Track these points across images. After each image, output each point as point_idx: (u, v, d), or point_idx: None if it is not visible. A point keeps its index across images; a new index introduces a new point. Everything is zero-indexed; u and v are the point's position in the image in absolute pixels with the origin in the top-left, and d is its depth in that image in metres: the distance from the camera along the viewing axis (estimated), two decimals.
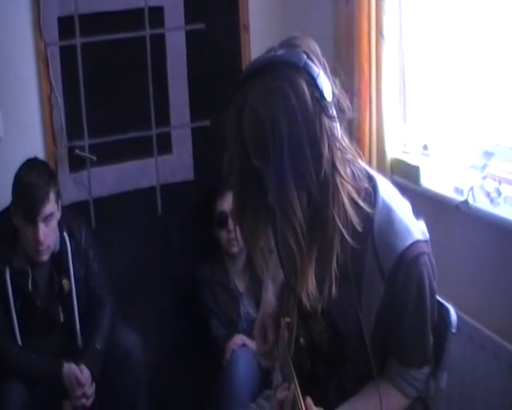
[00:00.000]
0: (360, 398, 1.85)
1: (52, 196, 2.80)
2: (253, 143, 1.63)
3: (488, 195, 2.54)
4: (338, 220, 1.65)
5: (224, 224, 3.36)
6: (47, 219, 2.79)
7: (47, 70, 3.18)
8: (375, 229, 1.73)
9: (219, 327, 3.33)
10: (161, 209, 3.54)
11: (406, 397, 1.88)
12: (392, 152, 3.00)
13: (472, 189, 2.57)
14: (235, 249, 3.37)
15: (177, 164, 3.54)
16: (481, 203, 2.55)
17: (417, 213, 1.84)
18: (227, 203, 3.29)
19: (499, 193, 2.52)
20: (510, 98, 2.61)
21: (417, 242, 1.74)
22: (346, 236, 1.67)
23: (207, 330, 3.33)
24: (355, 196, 1.69)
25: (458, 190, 2.67)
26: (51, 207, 2.80)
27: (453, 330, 1.93)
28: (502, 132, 2.67)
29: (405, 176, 2.89)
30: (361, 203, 1.70)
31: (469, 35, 2.76)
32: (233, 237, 3.33)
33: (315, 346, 1.95)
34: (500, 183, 2.56)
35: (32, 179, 2.77)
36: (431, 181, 2.85)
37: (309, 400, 1.71)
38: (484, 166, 2.63)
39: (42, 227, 2.77)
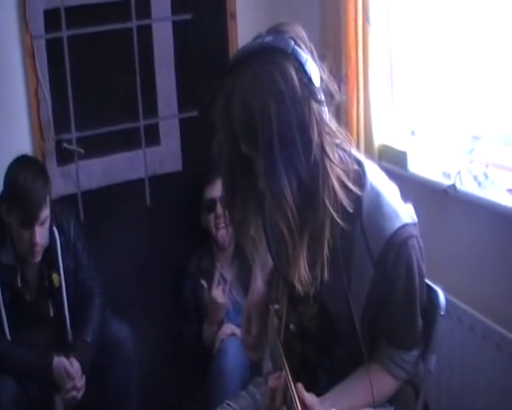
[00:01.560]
0: (350, 381, 1.86)
1: (48, 198, 2.79)
2: (242, 129, 1.63)
3: (476, 178, 2.55)
4: (328, 204, 1.66)
5: (213, 209, 3.37)
6: (43, 221, 2.78)
7: (33, 63, 3.15)
8: (363, 211, 1.74)
9: (195, 323, 3.35)
10: (150, 201, 3.54)
11: (396, 379, 1.89)
12: (380, 138, 3.01)
13: (459, 173, 2.59)
14: (223, 233, 3.37)
15: (166, 155, 3.53)
16: (469, 187, 2.56)
17: (405, 198, 1.84)
18: (216, 190, 3.31)
19: (486, 176, 2.53)
20: (497, 83, 2.62)
21: (406, 225, 1.75)
22: (337, 218, 1.68)
23: (184, 324, 3.37)
24: (344, 178, 1.70)
25: (446, 175, 2.68)
26: (48, 210, 2.79)
27: (442, 313, 1.94)
28: (489, 116, 2.68)
29: (393, 161, 2.90)
30: (350, 186, 1.71)
31: (456, 20, 2.76)
32: (221, 222, 3.34)
33: (305, 331, 1.96)
34: (487, 166, 2.57)
35: (30, 183, 2.72)
36: (418, 166, 2.86)
37: (300, 386, 1.71)
38: (471, 151, 2.64)
39: (38, 230, 2.76)
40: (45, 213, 2.77)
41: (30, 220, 2.73)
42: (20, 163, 2.83)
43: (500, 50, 2.58)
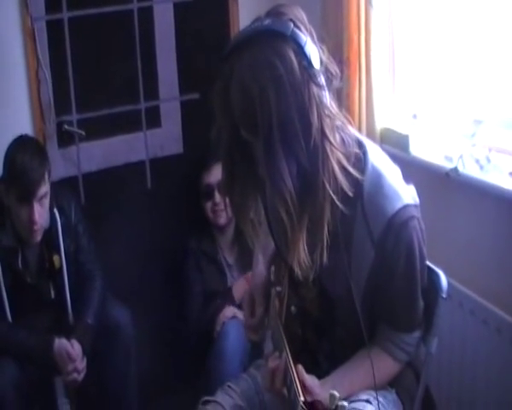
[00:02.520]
0: (351, 364, 1.87)
1: (46, 176, 2.78)
2: (242, 114, 1.63)
3: (478, 162, 2.55)
4: (328, 187, 1.66)
5: (210, 196, 3.36)
6: (41, 199, 2.77)
7: (34, 45, 3.13)
8: (364, 194, 1.74)
9: (198, 302, 3.33)
10: (151, 183, 3.53)
11: (397, 362, 1.90)
12: (382, 121, 3.00)
13: (461, 156, 2.58)
14: (221, 221, 3.37)
15: (167, 138, 3.52)
16: (471, 171, 2.56)
17: (407, 181, 1.84)
18: (213, 176, 3.31)
19: (489, 160, 2.53)
20: (500, 66, 2.61)
21: (407, 206, 1.75)
22: (337, 202, 1.68)
23: (186, 303, 3.34)
24: (345, 162, 1.69)
25: (448, 158, 2.67)
26: (46, 187, 2.78)
27: (444, 296, 1.94)
28: (491, 100, 2.66)
29: (395, 145, 2.89)
30: (350, 169, 1.71)
31: (459, 3, 2.74)
32: (219, 208, 3.33)
33: (306, 314, 1.96)
34: (490, 150, 2.56)
35: (27, 160, 2.73)
36: (420, 149, 2.85)
37: (300, 367, 1.72)
38: (473, 134, 2.63)
39: (37, 207, 2.75)
40: (43, 189, 2.76)
41: (27, 197, 2.73)
42: (18, 142, 2.83)
43: (502, 34, 2.56)
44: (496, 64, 2.62)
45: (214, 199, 3.34)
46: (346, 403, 1.38)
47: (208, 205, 3.38)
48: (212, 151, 3.08)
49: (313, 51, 1.62)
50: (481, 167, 2.53)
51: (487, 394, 2.47)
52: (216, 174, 3.27)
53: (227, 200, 2.79)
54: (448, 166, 2.63)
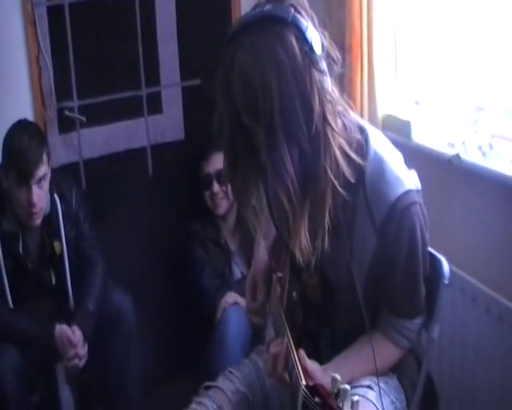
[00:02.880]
0: (353, 350, 1.87)
1: (44, 157, 2.79)
2: (243, 101, 1.62)
3: (480, 148, 2.54)
4: (330, 173, 1.65)
5: (209, 186, 3.35)
6: (40, 181, 2.77)
7: (35, 31, 3.12)
8: (366, 180, 1.73)
9: (210, 278, 3.33)
10: (152, 170, 3.52)
11: (398, 348, 1.90)
12: (384, 108, 3.00)
13: (464, 143, 2.57)
14: (220, 210, 3.37)
15: (168, 124, 3.51)
16: (473, 157, 2.55)
17: (409, 167, 1.84)
18: (212, 166, 3.32)
19: (491, 147, 2.52)
20: (503, 53, 2.59)
21: (409, 191, 1.74)
22: (339, 187, 1.67)
23: (200, 281, 3.33)
24: (346, 148, 1.69)
25: (450, 145, 2.67)
26: (44, 168, 2.78)
27: (446, 282, 1.94)
28: (494, 86, 2.66)
29: (397, 131, 2.88)
30: (352, 155, 1.70)
31: None
32: (218, 198, 3.34)
33: (307, 300, 1.96)
34: (492, 136, 2.55)
35: (25, 142, 2.74)
36: (423, 136, 2.84)
37: (302, 352, 1.72)
38: (476, 121, 2.62)
39: (35, 189, 2.75)
40: (41, 171, 2.76)
41: (26, 178, 2.73)
42: (17, 126, 2.84)
43: (505, 20, 2.55)
44: (499, 51, 2.61)
45: (212, 189, 3.34)
46: (348, 386, 1.38)
47: (207, 194, 3.38)
48: (211, 140, 3.08)
49: (314, 36, 1.61)
50: (484, 154, 2.53)
51: (489, 381, 2.47)
52: (214, 164, 3.27)
53: (227, 188, 2.83)
54: (450, 152, 2.62)
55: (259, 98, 1.57)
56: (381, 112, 2.99)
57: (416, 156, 2.36)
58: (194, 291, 3.35)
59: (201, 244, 3.39)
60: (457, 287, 2.55)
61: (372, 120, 2.94)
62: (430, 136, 2.82)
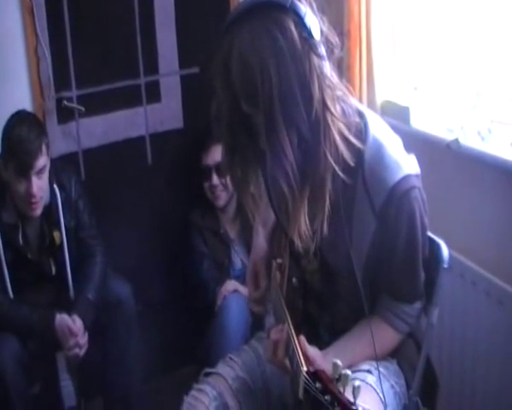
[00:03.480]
0: (352, 335, 1.87)
1: (44, 148, 2.78)
2: (242, 87, 1.62)
3: (479, 133, 2.54)
4: (330, 157, 1.65)
5: (208, 177, 3.35)
6: (39, 172, 2.77)
7: (32, 21, 3.10)
8: (365, 164, 1.73)
9: (210, 269, 3.34)
10: (151, 159, 3.52)
11: (398, 332, 1.90)
12: (383, 93, 3.00)
13: (462, 128, 2.57)
14: (220, 202, 3.37)
15: (167, 112, 3.50)
16: (472, 142, 2.55)
17: (408, 152, 1.83)
18: (211, 158, 3.30)
19: (490, 131, 2.52)
20: (502, 37, 2.59)
21: (408, 176, 1.74)
22: (338, 171, 1.67)
23: (198, 273, 3.34)
24: (346, 132, 1.69)
25: (449, 130, 2.67)
26: (44, 159, 2.78)
27: (445, 266, 1.94)
28: (493, 71, 2.65)
29: (396, 116, 2.89)
30: (352, 139, 1.70)
31: None
32: (217, 190, 3.33)
33: (307, 285, 1.96)
34: (491, 121, 2.55)
35: (24, 133, 2.73)
36: (421, 121, 2.85)
37: (302, 338, 1.72)
38: (474, 106, 2.62)
39: (35, 180, 2.75)
40: (41, 162, 2.76)
41: (25, 169, 2.73)
42: (16, 117, 2.83)
43: (503, 5, 2.55)
44: (498, 35, 2.60)
45: (212, 181, 3.33)
46: (349, 372, 1.38)
47: (206, 186, 3.37)
48: (210, 131, 3.07)
49: (313, 22, 1.61)
50: (482, 138, 2.53)
51: (489, 364, 2.47)
52: (214, 156, 3.26)
53: (226, 181, 2.82)
54: (449, 137, 2.62)
55: (258, 83, 1.57)
56: (380, 98, 2.99)
57: (416, 142, 2.36)
58: (194, 283, 3.36)
59: (200, 234, 3.40)
60: (457, 271, 2.55)
61: (371, 105, 2.95)
62: (429, 121, 2.82)
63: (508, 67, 2.59)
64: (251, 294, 2.14)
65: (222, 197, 3.36)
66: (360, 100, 2.92)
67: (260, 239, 2.18)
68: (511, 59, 2.57)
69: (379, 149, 1.74)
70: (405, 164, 1.76)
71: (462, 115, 2.65)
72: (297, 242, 1.72)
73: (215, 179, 3.31)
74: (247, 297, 2.22)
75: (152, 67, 3.44)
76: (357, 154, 1.72)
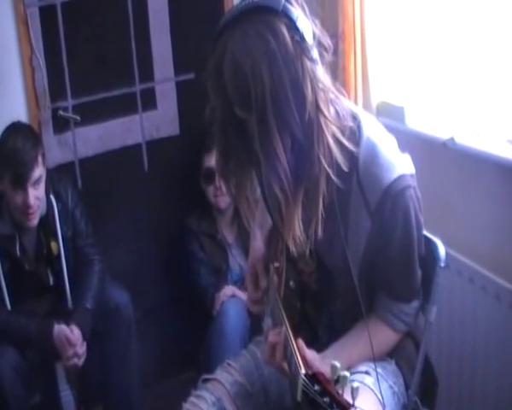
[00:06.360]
0: (350, 336, 1.87)
1: (40, 159, 2.78)
2: (235, 91, 1.61)
3: (475, 130, 2.55)
4: (323, 161, 1.65)
5: (212, 180, 3.33)
6: (36, 182, 2.77)
7: (27, 31, 3.11)
8: (360, 166, 1.73)
9: (208, 275, 3.34)
10: (148, 166, 3.51)
11: (396, 332, 1.90)
12: (377, 94, 3.00)
13: (458, 125, 2.58)
14: (222, 205, 3.36)
15: (162, 119, 3.50)
16: (468, 139, 2.55)
17: (404, 152, 1.83)
18: (214, 159, 3.28)
19: (485, 129, 2.52)
20: (496, 36, 2.59)
21: (403, 175, 1.74)
22: (332, 175, 1.67)
23: (196, 279, 3.34)
24: (339, 135, 1.68)
25: (444, 128, 2.67)
26: (40, 170, 2.78)
27: (442, 265, 1.94)
28: (488, 69, 2.65)
29: (391, 116, 2.90)
30: (345, 142, 1.70)
31: None
32: (221, 192, 3.31)
33: (305, 287, 1.97)
34: (486, 119, 2.55)
35: (19, 144, 2.73)
36: (417, 121, 2.85)
37: (300, 341, 1.72)
38: (469, 103, 2.63)
39: (31, 191, 2.75)
40: (37, 173, 2.76)
41: (21, 181, 2.73)
42: (11, 128, 2.84)
43: (498, 8, 2.55)
44: (493, 33, 2.60)
45: (215, 183, 3.31)
46: (347, 373, 1.38)
47: (210, 189, 3.36)
48: (211, 134, 3.07)
49: (305, 25, 1.61)
50: (478, 136, 2.53)
51: (487, 361, 2.47)
52: None
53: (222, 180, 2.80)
54: (445, 136, 2.62)
55: (251, 87, 1.57)
56: (375, 99, 2.99)
57: (411, 141, 2.36)
58: (192, 290, 3.36)
59: (197, 240, 3.40)
60: (454, 269, 2.55)
61: (366, 106, 2.95)
62: (424, 120, 2.82)
63: (501, 64, 2.58)
64: (251, 295, 2.14)
65: (225, 200, 3.34)
66: (355, 101, 2.93)
67: (257, 242, 2.18)
68: (505, 56, 2.56)
69: (373, 150, 1.74)
70: (400, 164, 1.76)
71: (457, 113, 2.65)
72: (291, 246, 1.72)
73: (218, 180, 3.28)
74: (246, 299, 2.23)
75: (147, 74, 3.44)
76: (351, 158, 1.72)
